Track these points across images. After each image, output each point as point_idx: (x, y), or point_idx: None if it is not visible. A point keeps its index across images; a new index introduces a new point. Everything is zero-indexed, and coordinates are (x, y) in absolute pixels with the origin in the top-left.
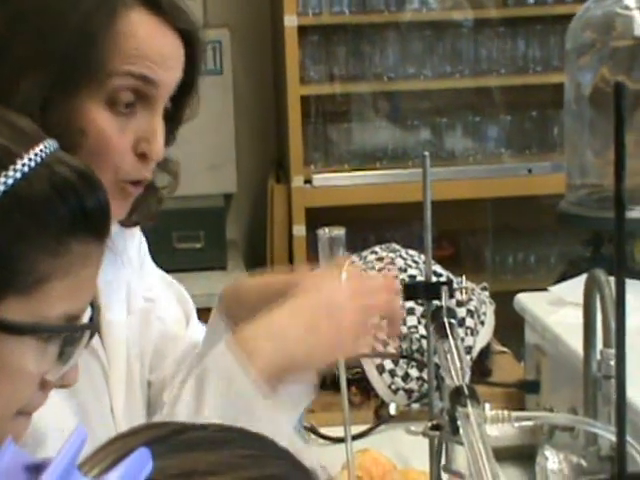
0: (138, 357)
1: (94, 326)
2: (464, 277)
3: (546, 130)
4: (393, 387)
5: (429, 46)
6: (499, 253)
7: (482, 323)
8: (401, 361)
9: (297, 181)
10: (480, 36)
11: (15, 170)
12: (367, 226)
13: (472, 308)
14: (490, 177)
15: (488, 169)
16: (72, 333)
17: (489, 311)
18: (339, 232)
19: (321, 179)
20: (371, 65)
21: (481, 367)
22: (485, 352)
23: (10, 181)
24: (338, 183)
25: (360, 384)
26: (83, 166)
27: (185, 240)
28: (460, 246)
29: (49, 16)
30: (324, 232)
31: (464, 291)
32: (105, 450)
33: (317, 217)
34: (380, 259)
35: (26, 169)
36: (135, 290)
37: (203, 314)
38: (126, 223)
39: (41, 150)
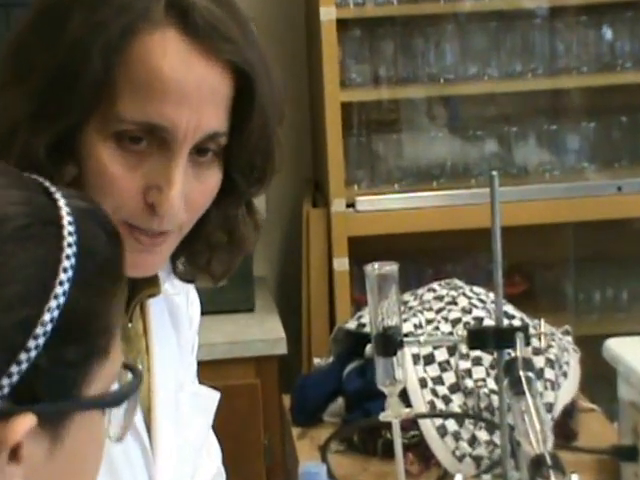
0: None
1: (140, 374)
2: (542, 320)
3: (638, 139)
4: (458, 453)
5: (494, 41)
6: (583, 289)
7: (565, 375)
8: (467, 422)
9: (338, 205)
10: (557, 27)
11: (70, 223)
12: (423, 258)
13: (552, 357)
14: (571, 197)
15: (568, 187)
16: (138, 383)
17: (573, 360)
18: (391, 268)
19: (366, 202)
20: (425, 65)
21: (565, 429)
22: (570, 410)
23: (74, 238)
24: (387, 207)
25: (418, 450)
26: (79, 193)
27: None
28: (536, 281)
29: (61, 21)
30: (373, 268)
31: (542, 337)
32: None
33: (362, 248)
34: (439, 298)
35: (70, 218)
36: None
37: (225, 367)
38: (188, 279)
39: (62, 195)
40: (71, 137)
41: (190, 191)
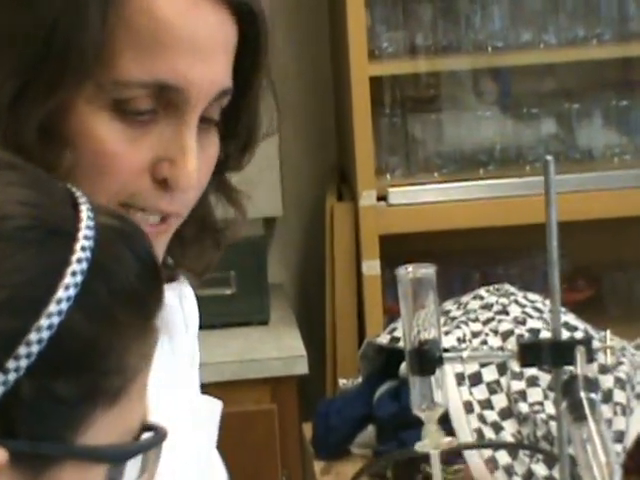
0: None
1: (165, 433)
2: (608, 332)
3: None
4: None
5: (552, 1)
6: None
7: (638, 397)
8: (521, 453)
9: (367, 198)
10: None
11: (87, 237)
12: (468, 260)
13: (623, 376)
14: None
15: None
16: (156, 444)
17: None
18: (428, 271)
19: (400, 194)
20: (469, 31)
21: (639, 461)
22: None
23: (87, 254)
24: (425, 200)
25: None
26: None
27: (210, 284)
28: (604, 286)
29: None
30: (406, 271)
31: (609, 351)
32: None
33: (396, 249)
34: (487, 307)
35: (90, 233)
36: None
37: (236, 389)
38: (169, 277)
39: (91, 209)
40: (62, 113)
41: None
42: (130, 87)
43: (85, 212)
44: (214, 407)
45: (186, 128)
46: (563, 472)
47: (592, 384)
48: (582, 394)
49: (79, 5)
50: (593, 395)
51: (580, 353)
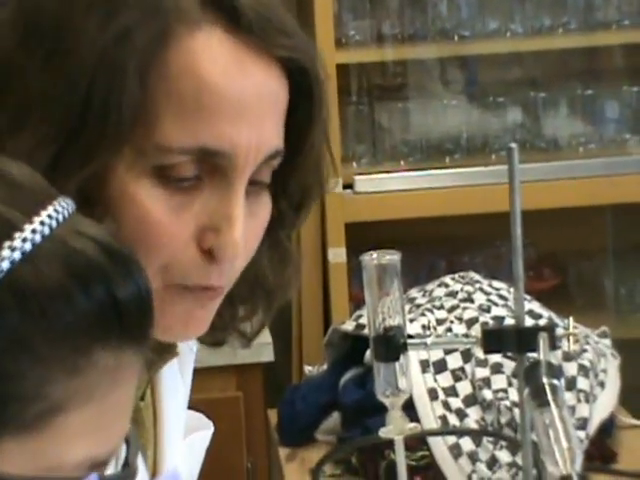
0: None
1: (131, 475)
2: (571, 319)
3: None
4: (475, 478)
5: None
6: (626, 284)
7: (602, 385)
8: (485, 440)
9: (333, 186)
10: None
11: (12, 248)
12: (434, 249)
13: (587, 363)
14: (610, 174)
15: (607, 163)
16: None
17: (611, 367)
18: (392, 258)
19: (367, 182)
20: (436, 19)
21: (602, 449)
22: (608, 427)
23: (5, 264)
24: (391, 188)
25: (428, 474)
26: (111, 238)
27: None
28: (569, 275)
29: (67, 34)
30: (371, 258)
31: (572, 338)
32: None
33: (362, 236)
34: (452, 294)
35: (28, 246)
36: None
37: (201, 377)
38: (208, 341)
39: (50, 216)
40: (102, 180)
41: (245, 230)
42: (172, 153)
43: (45, 219)
44: (206, 435)
45: (233, 195)
46: (526, 458)
47: (555, 370)
48: (544, 380)
49: (116, 66)
50: (555, 381)
51: (543, 339)
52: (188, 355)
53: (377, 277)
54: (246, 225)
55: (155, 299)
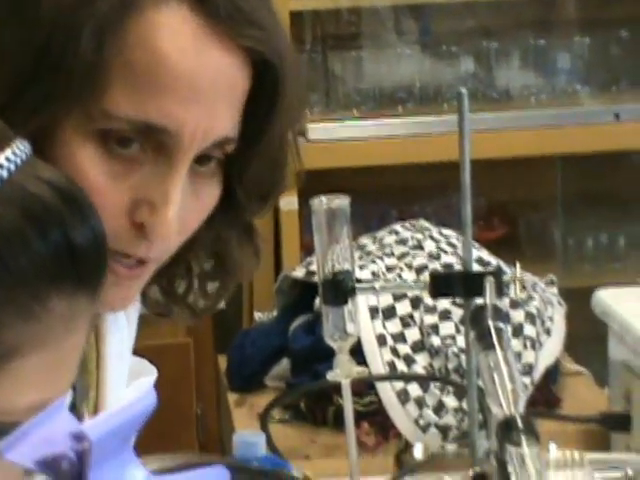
0: None
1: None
2: (518, 265)
3: None
4: (422, 422)
5: None
6: (574, 234)
7: (548, 332)
8: (433, 386)
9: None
10: None
11: None
12: (386, 197)
13: (533, 311)
14: (561, 125)
15: (558, 114)
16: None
17: (558, 315)
18: (342, 202)
19: (320, 130)
20: None
21: (547, 394)
22: (553, 373)
23: None
24: (344, 136)
25: (375, 419)
26: (68, 183)
27: None
28: (518, 225)
29: None
30: (321, 202)
31: (519, 283)
32: (172, 455)
33: (315, 184)
34: (402, 242)
35: None
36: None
37: (151, 323)
38: (157, 311)
39: (8, 159)
40: (45, 136)
41: (185, 209)
42: (118, 121)
43: (2, 162)
44: (149, 380)
45: (173, 174)
46: (471, 402)
47: (501, 314)
48: (490, 323)
49: (74, 26)
50: (501, 324)
51: (489, 284)
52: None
53: (326, 222)
54: (187, 205)
55: None
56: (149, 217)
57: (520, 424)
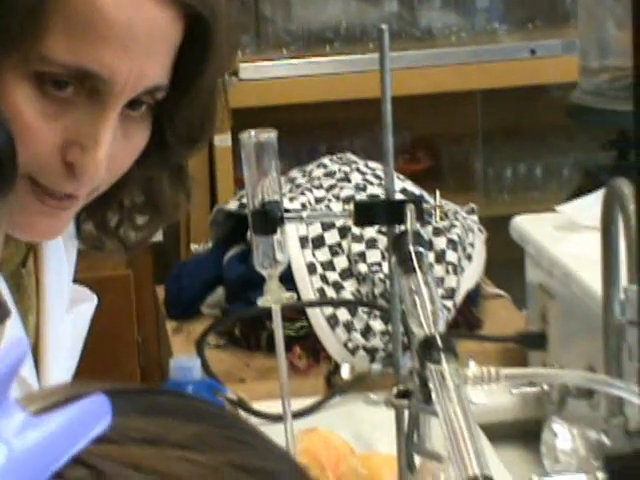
0: None
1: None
2: (438, 192)
3: None
4: (350, 345)
5: None
6: (493, 165)
7: (469, 258)
8: (360, 311)
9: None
10: None
11: None
12: (315, 133)
13: (455, 238)
14: (480, 61)
15: (477, 51)
16: None
17: (478, 241)
18: (269, 136)
19: (251, 70)
20: None
21: (468, 317)
22: (473, 296)
23: None
24: (274, 74)
25: (307, 343)
26: None
27: None
28: (442, 157)
29: None
30: (249, 136)
31: (439, 211)
32: (54, 389)
33: (247, 121)
34: (330, 174)
35: None
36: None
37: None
38: (89, 244)
39: None
40: None
41: (115, 150)
42: (54, 65)
43: None
44: (89, 308)
45: (104, 118)
46: (395, 324)
47: (421, 239)
48: (411, 248)
49: None
50: (421, 249)
51: (410, 211)
52: (73, 229)
53: (255, 155)
54: (117, 146)
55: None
56: (79, 157)
57: (439, 343)
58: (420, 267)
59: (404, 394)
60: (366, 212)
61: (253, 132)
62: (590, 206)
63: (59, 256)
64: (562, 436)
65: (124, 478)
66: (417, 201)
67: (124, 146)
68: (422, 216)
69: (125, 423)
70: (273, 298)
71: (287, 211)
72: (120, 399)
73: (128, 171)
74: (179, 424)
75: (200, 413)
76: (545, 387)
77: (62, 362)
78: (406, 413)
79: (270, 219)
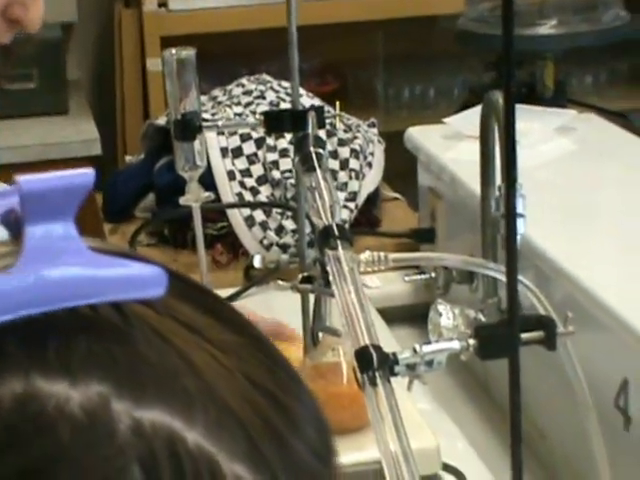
0: None
1: None
2: (338, 104)
3: None
4: (265, 242)
5: None
6: (393, 86)
7: (369, 165)
8: (274, 212)
9: (149, 4)
10: None
11: None
12: (238, 59)
13: (357, 147)
14: None
15: None
16: None
17: (378, 151)
18: (189, 53)
19: (179, 1)
20: None
21: (369, 216)
22: (373, 199)
23: None
24: (200, 5)
25: (227, 241)
26: None
27: (14, 80)
28: (348, 80)
29: None
30: (171, 54)
31: (338, 119)
32: (112, 245)
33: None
34: (248, 93)
35: None
36: None
37: (39, 169)
38: None
39: None
40: None
41: None
42: None
43: None
44: None
45: None
46: (300, 217)
47: (321, 142)
48: (311, 149)
49: None
50: (321, 150)
51: (312, 117)
52: None
53: (176, 71)
54: None
55: None
56: (23, 13)
57: (336, 231)
58: (320, 166)
59: (308, 280)
60: (275, 121)
61: (174, 50)
62: (472, 118)
63: None
64: (445, 315)
65: (148, 342)
66: (317, 109)
67: None
68: (323, 123)
69: (174, 305)
70: (193, 197)
71: (205, 120)
72: (178, 284)
73: None
74: (221, 329)
75: (245, 331)
76: (433, 275)
77: None
78: (311, 297)
79: (189, 127)
